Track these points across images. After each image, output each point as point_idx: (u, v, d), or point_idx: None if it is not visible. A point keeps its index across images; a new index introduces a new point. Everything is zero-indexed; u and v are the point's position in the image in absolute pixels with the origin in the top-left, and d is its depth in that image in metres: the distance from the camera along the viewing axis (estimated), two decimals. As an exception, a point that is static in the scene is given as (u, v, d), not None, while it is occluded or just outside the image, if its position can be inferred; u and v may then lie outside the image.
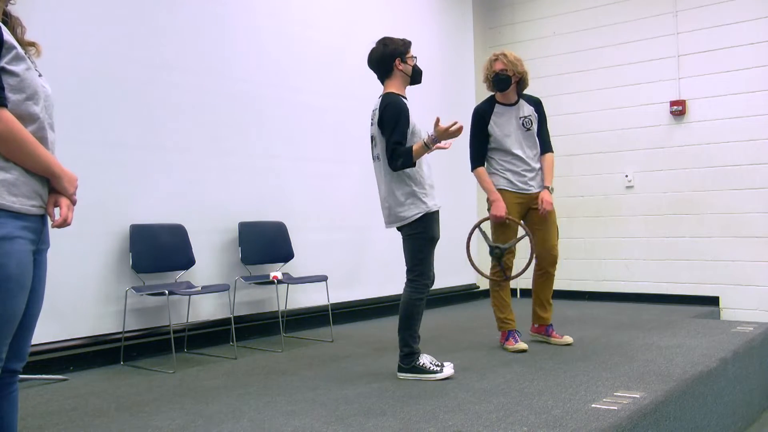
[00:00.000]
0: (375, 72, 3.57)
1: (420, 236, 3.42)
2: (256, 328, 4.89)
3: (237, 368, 3.89)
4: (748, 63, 5.85)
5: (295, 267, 5.04)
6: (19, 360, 1.87)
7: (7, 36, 1.73)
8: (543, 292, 4.39)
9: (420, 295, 3.43)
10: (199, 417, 2.86)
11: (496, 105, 4.21)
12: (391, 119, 3.36)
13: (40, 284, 1.87)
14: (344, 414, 2.82)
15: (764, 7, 5.81)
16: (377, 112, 3.46)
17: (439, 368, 3.40)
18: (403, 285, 3.48)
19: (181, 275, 4.40)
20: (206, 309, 4.61)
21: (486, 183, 4.19)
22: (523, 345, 4.08)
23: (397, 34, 3.66)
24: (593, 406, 2.80)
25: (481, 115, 4.20)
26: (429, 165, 3.53)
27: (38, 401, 3.23)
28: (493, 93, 4.26)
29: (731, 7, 5.95)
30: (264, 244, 4.88)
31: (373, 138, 3.53)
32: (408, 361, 3.42)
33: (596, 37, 6.69)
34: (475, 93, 7.25)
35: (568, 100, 6.85)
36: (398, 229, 3.50)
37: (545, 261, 4.31)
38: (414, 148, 3.31)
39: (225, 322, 4.60)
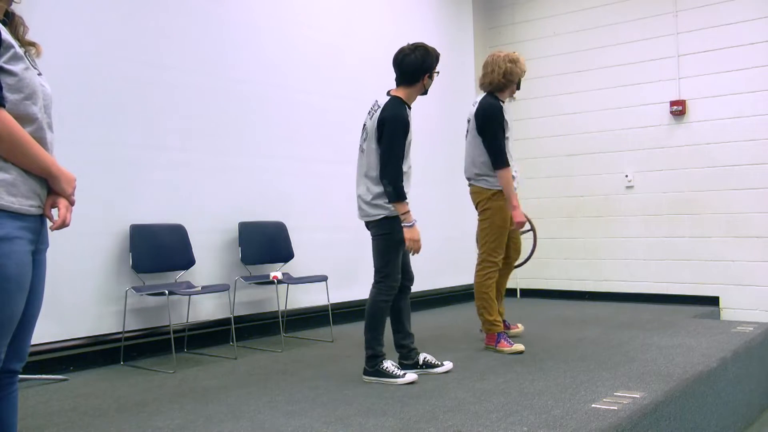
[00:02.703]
0: (398, 74, 3.46)
1: (387, 238, 3.42)
2: (256, 328, 4.89)
3: (237, 368, 3.89)
4: (748, 63, 5.85)
5: (295, 267, 5.04)
6: (18, 360, 1.87)
7: (6, 35, 1.73)
8: (503, 285, 4.57)
9: (386, 297, 3.43)
10: (199, 417, 2.86)
11: (502, 104, 4.19)
12: (392, 135, 3.32)
13: (39, 284, 1.87)
14: (344, 414, 2.82)
15: (764, 7, 5.81)
16: (379, 111, 3.41)
17: (401, 373, 3.38)
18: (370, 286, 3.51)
19: (181, 275, 4.40)
20: (206, 309, 4.61)
21: (511, 187, 4.07)
22: (520, 346, 4.08)
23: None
24: (593, 406, 2.80)
25: (502, 112, 4.12)
26: (410, 166, 3.48)
27: (38, 401, 3.23)
28: (498, 92, 4.22)
29: (731, 7, 5.95)
30: (264, 244, 4.88)
31: (365, 130, 3.50)
32: (372, 364, 3.42)
33: (596, 37, 6.69)
34: (475, 93, 7.24)
35: (568, 100, 6.86)
36: (367, 228, 3.52)
37: (514, 259, 4.55)
38: (402, 204, 3.31)
39: (225, 322, 4.60)
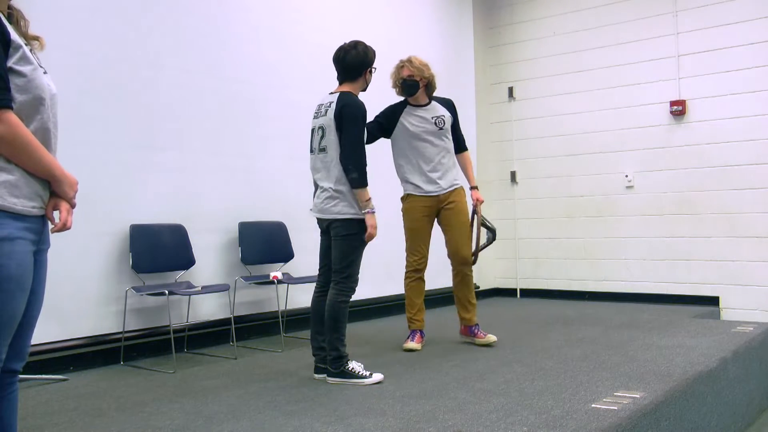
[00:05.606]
0: (340, 72, 3.55)
1: (354, 238, 3.42)
2: (256, 328, 4.89)
3: (237, 368, 3.89)
4: (748, 63, 5.86)
5: (295, 267, 5.04)
6: (19, 360, 1.87)
7: (14, 36, 1.73)
8: (461, 292, 4.40)
9: (345, 298, 3.41)
10: (199, 417, 2.86)
11: (408, 105, 4.36)
12: (354, 122, 3.37)
13: (40, 284, 1.87)
14: (344, 414, 2.82)
15: (764, 7, 5.81)
16: (333, 105, 3.42)
17: (368, 373, 3.37)
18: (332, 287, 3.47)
19: (181, 275, 4.40)
20: (206, 309, 4.61)
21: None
22: (413, 345, 4.20)
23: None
24: (593, 406, 2.80)
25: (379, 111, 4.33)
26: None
27: (38, 401, 3.23)
28: (404, 98, 4.39)
29: (731, 7, 5.95)
30: (264, 244, 4.88)
31: (322, 129, 3.46)
32: (337, 365, 3.38)
33: (596, 37, 6.69)
34: (475, 93, 7.25)
35: (569, 100, 6.86)
36: (328, 228, 3.47)
37: (455, 261, 4.34)
38: (365, 190, 3.37)
39: (225, 322, 4.60)
